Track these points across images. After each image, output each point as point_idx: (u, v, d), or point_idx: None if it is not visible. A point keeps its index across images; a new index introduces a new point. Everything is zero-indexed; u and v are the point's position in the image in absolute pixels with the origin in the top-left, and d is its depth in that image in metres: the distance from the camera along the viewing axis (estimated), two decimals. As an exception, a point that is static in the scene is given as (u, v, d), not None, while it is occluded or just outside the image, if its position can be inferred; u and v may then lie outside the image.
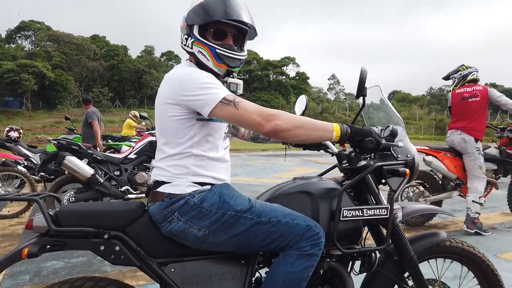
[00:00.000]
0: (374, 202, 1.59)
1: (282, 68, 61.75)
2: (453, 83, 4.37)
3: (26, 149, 6.29)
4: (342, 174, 1.74)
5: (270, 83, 59.05)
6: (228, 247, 1.36)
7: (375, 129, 1.46)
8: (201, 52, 1.40)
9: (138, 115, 9.77)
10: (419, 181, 4.35)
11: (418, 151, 4.47)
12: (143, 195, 4.65)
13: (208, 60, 1.40)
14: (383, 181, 1.61)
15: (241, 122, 1.28)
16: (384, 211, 1.50)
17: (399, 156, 1.55)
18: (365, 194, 1.61)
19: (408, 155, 1.56)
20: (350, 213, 1.46)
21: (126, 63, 49.32)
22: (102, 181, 4.42)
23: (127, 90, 48.32)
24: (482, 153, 4.09)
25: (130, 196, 4.60)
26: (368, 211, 1.49)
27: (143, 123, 9.97)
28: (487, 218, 4.74)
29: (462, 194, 4.29)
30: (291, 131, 1.28)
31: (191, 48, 1.42)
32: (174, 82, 1.33)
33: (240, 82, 1.49)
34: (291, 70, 63.31)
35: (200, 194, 1.34)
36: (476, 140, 4.10)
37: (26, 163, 6.08)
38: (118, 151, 6.40)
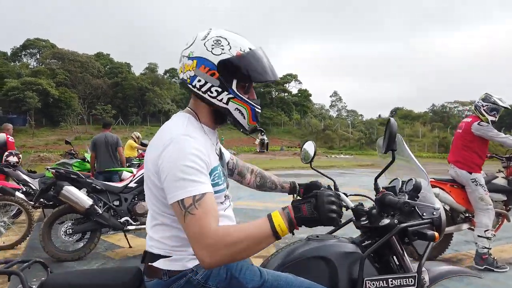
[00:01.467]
0: (398, 263, 1.43)
1: (284, 85, 62.01)
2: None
3: (25, 175, 6.16)
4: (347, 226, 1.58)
5: (273, 100, 59.24)
6: None
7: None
8: (238, 109, 1.25)
9: (140, 136, 9.71)
10: None
11: None
12: (143, 226, 4.48)
13: (244, 118, 1.27)
14: (406, 239, 1.45)
15: (187, 236, 1.09)
16: (412, 280, 1.35)
17: (424, 214, 1.40)
18: (387, 256, 1.45)
19: (434, 212, 1.40)
20: (373, 284, 1.31)
21: (130, 81, 49.71)
22: (100, 212, 4.26)
23: (130, 107, 48.58)
24: (481, 183, 3.92)
25: (129, 227, 4.43)
26: (393, 281, 1.33)
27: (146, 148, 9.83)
28: (502, 251, 4.53)
29: (472, 227, 4.10)
30: (230, 258, 1.07)
31: (226, 104, 1.23)
32: (159, 155, 1.14)
33: (267, 139, 1.36)
34: (293, 87, 63.63)
35: (199, 270, 1.18)
36: (470, 172, 3.95)
37: (24, 189, 5.94)
38: (119, 176, 6.27)
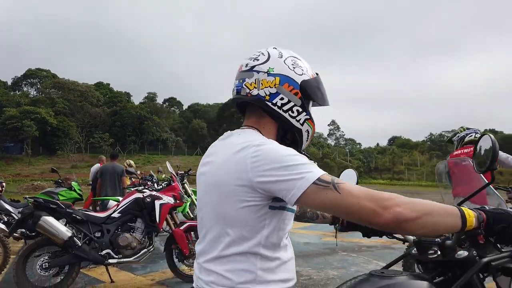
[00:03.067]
0: None
1: (283, 114, 62.44)
2: (454, 145, 4.28)
3: (7, 204, 5.89)
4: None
5: (271, 128, 59.39)
6: None
7: None
8: (308, 131, 1.19)
9: (133, 164, 9.52)
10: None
11: None
12: (126, 259, 4.21)
13: (307, 140, 1.22)
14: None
15: (346, 211, 0.96)
16: None
17: (503, 248, 1.20)
18: None
19: None
20: None
21: (129, 109, 49.96)
22: (80, 244, 4.01)
23: (128, 136, 48.55)
24: None
25: (111, 261, 4.16)
26: None
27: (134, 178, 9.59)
28: None
29: None
30: (418, 221, 0.93)
31: (302, 124, 1.17)
32: (247, 155, 1.00)
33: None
34: (291, 116, 63.96)
35: None
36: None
37: (6, 219, 5.69)
38: (105, 206, 6.03)
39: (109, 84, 61.81)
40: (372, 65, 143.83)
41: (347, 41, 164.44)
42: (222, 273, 1.03)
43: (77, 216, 4.22)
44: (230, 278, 1.02)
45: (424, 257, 1.27)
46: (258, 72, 1.13)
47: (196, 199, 6.03)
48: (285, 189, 0.95)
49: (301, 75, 1.15)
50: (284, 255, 1.08)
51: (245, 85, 1.14)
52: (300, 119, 1.16)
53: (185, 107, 73.58)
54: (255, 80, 1.13)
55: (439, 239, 1.26)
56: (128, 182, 9.09)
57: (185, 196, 5.20)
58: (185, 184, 6.10)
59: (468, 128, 4.18)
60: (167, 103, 69.13)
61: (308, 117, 1.17)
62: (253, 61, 1.15)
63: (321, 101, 1.21)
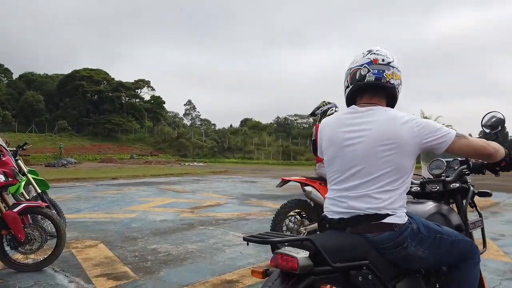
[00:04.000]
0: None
1: (136, 90, 59.23)
2: (317, 118, 4.68)
3: None
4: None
5: (123, 105, 55.79)
6: (433, 264, 1.66)
7: None
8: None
9: None
10: (298, 211, 4.25)
11: (296, 181, 4.65)
12: None
13: None
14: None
15: (473, 151, 1.61)
16: (481, 222, 2.15)
17: (469, 181, 2.11)
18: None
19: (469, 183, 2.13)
20: (472, 225, 2.02)
21: None
22: None
23: None
24: None
25: None
26: (477, 222, 2.09)
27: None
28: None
29: None
30: (500, 151, 1.65)
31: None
32: (412, 126, 1.54)
33: None
34: (145, 93, 61.31)
35: (412, 222, 1.59)
36: None
37: None
38: None
39: None
40: (228, 47, 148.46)
41: (200, 22, 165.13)
42: (389, 201, 1.55)
43: None
44: (393, 204, 1.55)
45: (427, 191, 2.04)
46: (393, 67, 1.64)
47: (33, 178, 5.15)
48: (440, 142, 1.54)
49: (391, 58, 1.69)
50: None
51: (385, 75, 1.62)
52: (398, 96, 1.73)
53: (15, 76, 62.63)
54: (392, 72, 1.63)
55: (443, 177, 2.07)
56: None
57: (20, 174, 4.36)
58: (19, 161, 5.11)
59: (329, 103, 4.62)
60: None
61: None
62: (386, 58, 1.64)
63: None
